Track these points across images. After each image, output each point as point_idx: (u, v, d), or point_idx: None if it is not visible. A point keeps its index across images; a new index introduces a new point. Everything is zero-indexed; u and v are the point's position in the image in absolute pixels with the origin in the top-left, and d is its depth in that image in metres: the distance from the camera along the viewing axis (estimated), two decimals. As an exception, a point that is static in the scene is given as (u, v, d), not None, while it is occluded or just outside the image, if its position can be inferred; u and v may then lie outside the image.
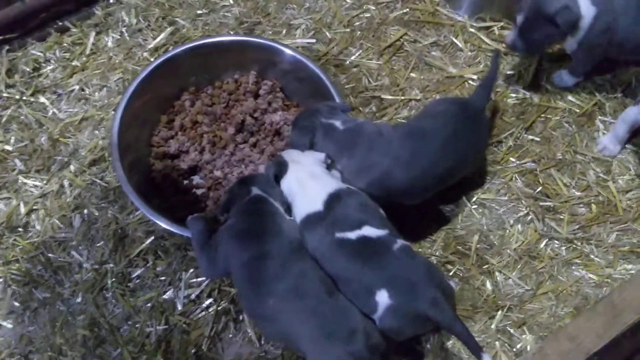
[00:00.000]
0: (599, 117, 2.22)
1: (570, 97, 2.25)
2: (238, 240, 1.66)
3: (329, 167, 1.81)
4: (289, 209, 1.76)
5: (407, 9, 2.44)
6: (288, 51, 2.10)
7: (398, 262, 1.61)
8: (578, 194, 2.07)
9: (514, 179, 2.09)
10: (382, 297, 1.58)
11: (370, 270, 1.60)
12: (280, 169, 1.76)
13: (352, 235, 1.64)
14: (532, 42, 2.01)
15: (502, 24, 2.38)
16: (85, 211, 2.06)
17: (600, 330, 1.49)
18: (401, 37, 2.38)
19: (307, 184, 1.73)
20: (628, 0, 1.95)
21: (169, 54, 2.08)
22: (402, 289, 1.58)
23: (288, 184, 1.75)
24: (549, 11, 1.91)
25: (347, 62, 2.34)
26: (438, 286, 1.60)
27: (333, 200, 1.70)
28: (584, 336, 1.48)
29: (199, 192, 2.03)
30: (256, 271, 1.61)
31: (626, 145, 2.15)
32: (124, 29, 2.40)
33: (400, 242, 1.66)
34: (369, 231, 1.65)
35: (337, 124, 1.83)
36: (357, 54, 2.35)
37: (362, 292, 1.60)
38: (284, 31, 2.41)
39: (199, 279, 1.94)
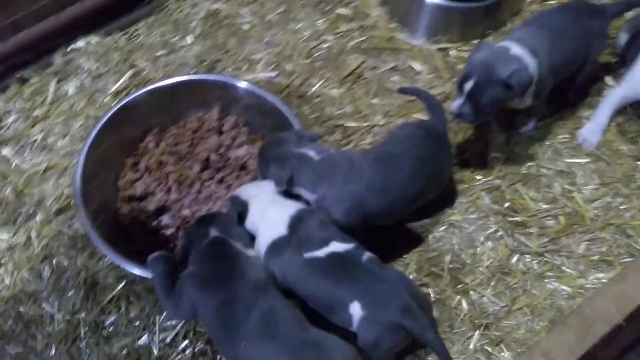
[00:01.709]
0: (560, 130, 2.25)
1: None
2: (202, 288, 1.64)
3: (286, 192, 1.82)
4: (252, 240, 1.76)
5: (365, 37, 2.48)
6: (247, 86, 2.13)
7: (368, 273, 1.64)
8: (545, 207, 2.09)
9: (480, 196, 2.11)
10: (356, 309, 1.60)
11: (342, 284, 1.62)
12: (242, 209, 1.77)
13: (321, 253, 1.67)
14: (482, 107, 1.91)
15: (458, 45, 2.43)
16: (54, 261, 2.03)
17: (572, 344, 1.49)
18: (360, 65, 2.41)
19: (268, 211, 1.75)
20: (547, 35, 2.01)
21: (128, 99, 2.08)
22: (374, 299, 1.60)
23: (251, 219, 1.76)
24: (502, 76, 1.87)
25: (310, 92, 2.36)
26: (411, 294, 1.62)
27: (296, 222, 1.72)
28: (557, 351, 1.49)
29: (167, 232, 2.02)
30: (224, 316, 1.60)
31: (589, 156, 2.18)
32: (84, 76, 2.40)
33: (368, 254, 1.69)
34: (336, 247, 1.68)
35: (312, 153, 1.83)
36: (318, 84, 2.38)
37: (336, 307, 1.63)
38: (245, 67, 2.43)
39: (174, 322, 1.92)
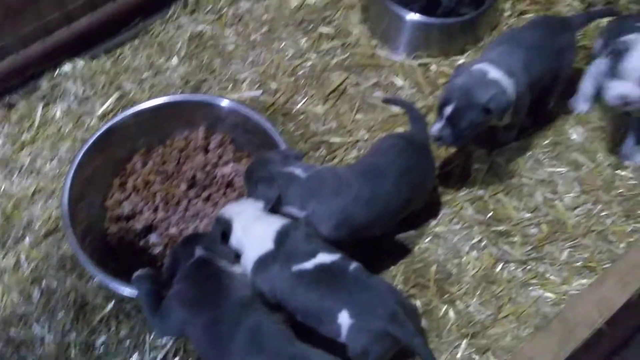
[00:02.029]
0: (540, 140, 2.30)
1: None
2: (189, 308, 1.66)
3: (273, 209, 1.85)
4: (238, 257, 1.78)
5: (347, 54, 2.52)
6: (231, 105, 2.17)
7: (355, 282, 1.67)
8: (528, 215, 2.13)
9: (464, 207, 2.14)
10: (344, 318, 1.63)
11: (330, 294, 1.66)
12: (225, 227, 1.80)
13: (309, 265, 1.70)
14: (461, 131, 1.94)
15: (438, 60, 2.48)
16: (44, 283, 2.04)
17: (555, 349, 1.51)
18: (344, 82, 2.45)
19: (253, 228, 1.78)
20: (522, 54, 2.07)
21: (114, 121, 2.12)
22: (362, 307, 1.63)
23: (236, 236, 1.79)
24: (482, 101, 1.91)
25: (294, 109, 2.40)
26: (398, 302, 1.65)
27: (282, 236, 1.75)
28: (540, 357, 1.51)
29: (155, 251, 2.04)
30: (212, 335, 1.62)
31: (569, 165, 2.23)
32: (71, 99, 2.43)
33: (354, 264, 1.72)
34: (323, 258, 1.71)
35: (298, 171, 1.86)
36: (303, 101, 2.42)
37: (325, 318, 1.66)
38: (230, 86, 2.46)
39: (163, 340, 1.92)
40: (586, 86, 2.23)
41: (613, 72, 1.98)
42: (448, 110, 1.93)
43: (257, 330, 1.61)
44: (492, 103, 1.91)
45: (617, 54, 1.96)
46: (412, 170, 1.92)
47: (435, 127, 1.97)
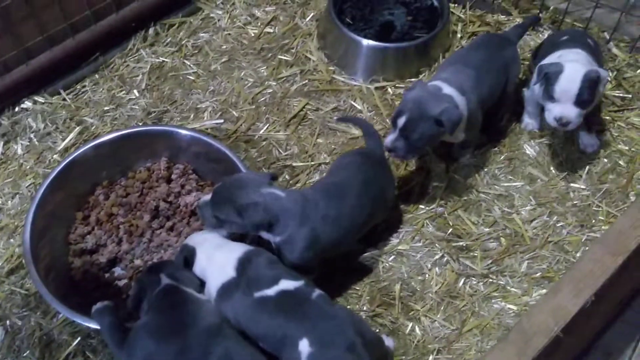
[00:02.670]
0: (495, 156, 2.37)
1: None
2: (157, 339, 1.65)
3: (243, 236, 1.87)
4: (202, 285, 1.79)
5: (306, 81, 2.58)
6: (192, 134, 2.20)
7: (317, 310, 1.68)
8: (487, 230, 2.18)
9: (425, 224, 2.19)
10: (304, 346, 1.63)
11: (292, 321, 1.66)
12: (189, 255, 1.81)
13: (271, 291, 1.70)
14: (414, 142, 1.98)
15: (394, 83, 2.55)
16: (8, 322, 2.02)
17: (514, 359, 1.55)
18: (304, 107, 2.50)
19: (215, 256, 1.79)
20: (472, 73, 2.16)
21: (75, 155, 2.13)
22: (322, 336, 1.63)
23: (200, 265, 1.80)
24: (434, 113, 1.95)
25: (256, 136, 2.44)
26: (358, 333, 1.66)
27: (243, 263, 1.76)
28: (500, 367, 1.54)
29: (120, 283, 2.04)
30: None
31: (524, 179, 2.30)
32: (32, 135, 2.43)
33: (317, 291, 1.73)
34: (286, 284, 1.72)
35: (279, 193, 1.84)
36: (264, 128, 2.46)
37: (286, 345, 1.65)
38: (192, 115, 2.49)
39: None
40: (529, 106, 2.34)
41: (547, 97, 2.09)
42: (401, 121, 1.98)
43: (227, 358, 1.61)
44: (444, 115, 1.96)
45: (549, 79, 2.07)
46: (372, 184, 1.97)
47: (389, 138, 2.01)
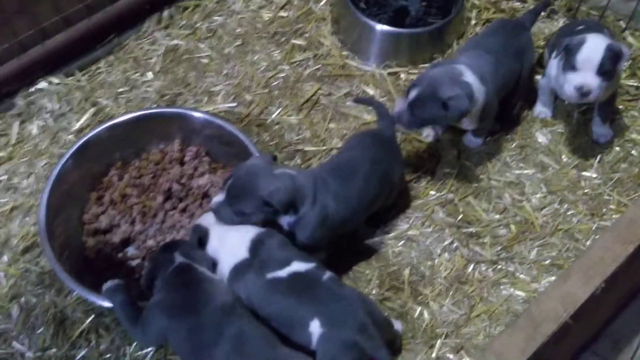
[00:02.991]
0: (507, 143, 2.36)
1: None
2: (170, 316, 1.68)
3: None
4: (214, 266, 1.81)
5: (319, 65, 2.58)
6: (205, 117, 2.21)
7: (328, 292, 1.70)
8: (497, 217, 2.19)
9: (435, 211, 2.20)
10: (315, 327, 1.66)
11: (303, 302, 1.68)
12: (202, 236, 1.83)
13: (283, 273, 1.73)
14: (418, 118, 1.99)
15: (407, 69, 2.54)
16: (23, 300, 2.05)
17: (522, 345, 1.55)
18: (316, 92, 2.51)
19: (228, 237, 1.81)
20: (492, 60, 2.16)
21: (89, 135, 2.15)
22: (333, 317, 1.66)
23: (212, 246, 1.82)
24: (443, 96, 1.95)
25: (269, 120, 2.44)
26: (368, 314, 1.68)
27: (256, 244, 1.78)
28: (508, 353, 1.55)
29: (133, 263, 2.07)
30: (195, 342, 1.64)
31: (535, 167, 2.30)
32: (47, 115, 2.45)
33: (328, 273, 1.76)
34: (298, 266, 1.74)
35: (290, 172, 1.86)
36: (277, 112, 2.46)
37: (297, 326, 1.68)
38: (206, 99, 2.50)
39: (144, 351, 1.94)
40: (543, 94, 2.33)
41: (568, 68, 2.06)
42: (412, 94, 1.99)
43: (240, 337, 1.63)
44: (452, 101, 1.96)
45: (571, 50, 2.05)
46: (380, 164, 1.98)
47: (398, 107, 2.02)
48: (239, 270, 1.77)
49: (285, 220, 1.89)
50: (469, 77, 2.04)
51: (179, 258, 1.76)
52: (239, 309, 1.72)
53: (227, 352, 1.62)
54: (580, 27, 2.28)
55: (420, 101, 1.98)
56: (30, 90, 2.50)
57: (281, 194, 1.78)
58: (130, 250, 2.11)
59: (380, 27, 2.50)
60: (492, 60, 2.15)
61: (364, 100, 2.36)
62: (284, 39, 2.67)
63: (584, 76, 2.03)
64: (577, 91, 2.04)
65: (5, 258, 2.13)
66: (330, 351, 1.65)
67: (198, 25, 2.71)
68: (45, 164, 2.33)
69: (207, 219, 1.89)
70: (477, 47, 2.22)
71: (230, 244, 1.80)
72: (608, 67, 2.02)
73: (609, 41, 2.05)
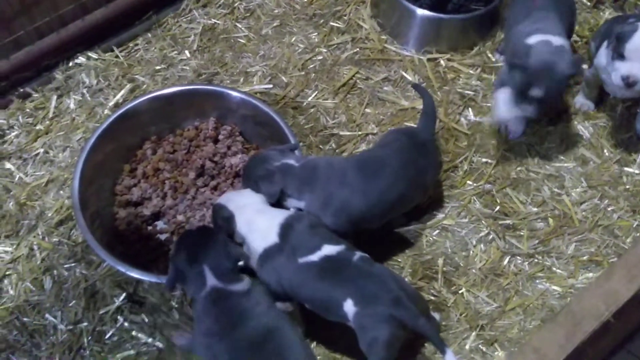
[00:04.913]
0: (548, 136, 2.30)
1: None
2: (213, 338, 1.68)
3: (278, 202, 1.88)
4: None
5: (357, 49, 2.54)
6: (242, 96, 2.19)
7: (359, 271, 1.70)
8: (535, 209, 2.13)
9: (472, 201, 2.16)
10: (349, 307, 1.66)
11: (335, 285, 1.69)
12: (228, 223, 1.82)
13: (315, 257, 1.73)
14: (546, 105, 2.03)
15: (447, 55, 2.49)
16: (55, 272, 2.08)
17: (562, 341, 1.52)
18: (354, 76, 2.47)
19: (256, 221, 1.81)
20: (556, 19, 2.12)
21: (127, 107, 2.16)
22: (365, 294, 1.66)
23: (239, 229, 1.82)
24: (566, 72, 1.95)
25: (305, 103, 2.42)
26: (400, 288, 1.68)
27: (286, 229, 1.78)
28: (547, 348, 1.52)
29: (162, 237, 2.08)
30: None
31: (576, 161, 2.24)
32: (84, 90, 2.46)
33: (358, 254, 1.75)
34: (329, 249, 1.74)
35: (292, 162, 1.90)
36: (313, 95, 2.44)
37: (331, 307, 1.69)
38: (242, 79, 2.49)
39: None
40: (587, 86, 2.27)
41: (617, 56, 2.00)
42: (538, 92, 1.96)
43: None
44: (574, 68, 1.95)
45: (621, 38, 1.98)
46: (411, 165, 1.92)
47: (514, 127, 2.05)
48: (269, 254, 1.77)
49: (291, 205, 1.89)
50: (557, 40, 2.00)
51: (210, 280, 1.68)
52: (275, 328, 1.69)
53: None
54: (633, 19, 2.20)
55: (549, 93, 1.95)
56: (69, 65, 2.51)
57: (269, 182, 1.85)
58: (160, 224, 2.11)
59: (421, 12, 2.45)
60: (556, 17, 2.11)
61: (420, 90, 2.19)
62: (322, 20, 2.64)
63: (632, 66, 1.96)
64: (623, 81, 1.98)
65: (40, 230, 2.15)
66: (367, 328, 1.65)
67: (236, 4, 2.69)
68: (81, 138, 2.35)
69: (234, 201, 1.86)
70: (541, 8, 2.14)
71: (259, 229, 1.80)
72: None
73: None
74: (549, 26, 2.04)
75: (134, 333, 1.95)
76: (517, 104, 2.00)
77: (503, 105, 2.05)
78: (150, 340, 1.93)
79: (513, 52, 2.07)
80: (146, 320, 1.97)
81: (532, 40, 2.00)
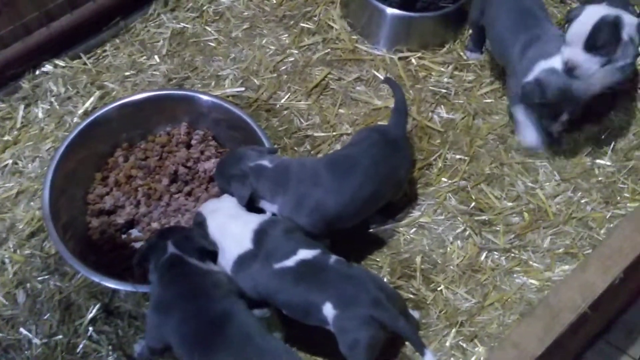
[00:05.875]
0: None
1: (494, 116, 2.35)
2: (162, 313, 1.68)
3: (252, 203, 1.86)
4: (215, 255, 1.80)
5: (329, 49, 2.53)
6: (213, 100, 2.17)
7: (337, 274, 1.70)
8: (510, 204, 2.15)
9: (447, 198, 2.16)
10: (328, 310, 1.66)
11: (312, 289, 1.68)
12: (200, 226, 1.81)
13: (291, 262, 1.72)
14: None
15: (418, 54, 2.50)
16: (28, 285, 2.03)
17: (541, 334, 1.53)
18: (326, 77, 2.46)
19: (229, 226, 1.79)
20: None
21: (97, 114, 2.13)
22: (344, 297, 1.65)
23: (212, 234, 1.80)
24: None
25: (278, 105, 2.40)
26: (379, 288, 1.68)
27: (260, 235, 1.76)
28: (526, 342, 1.52)
29: (137, 245, 2.05)
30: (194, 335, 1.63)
31: (547, 154, 2.26)
32: (52, 99, 2.41)
33: (334, 257, 1.75)
34: (304, 254, 1.73)
35: (265, 162, 1.88)
36: (286, 97, 2.42)
37: (310, 312, 1.68)
38: (213, 83, 2.46)
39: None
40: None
41: (564, 40, 1.96)
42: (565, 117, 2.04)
43: (237, 327, 1.63)
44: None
45: (567, 22, 1.96)
46: (383, 163, 1.92)
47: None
48: (243, 260, 1.75)
49: (265, 207, 1.88)
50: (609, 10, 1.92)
51: (170, 248, 1.73)
52: (232, 297, 1.69)
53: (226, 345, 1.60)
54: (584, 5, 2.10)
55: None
56: (35, 73, 2.46)
57: (240, 183, 1.84)
58: (134, 232, 2.09)
59: (391, 11, 2.45)
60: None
61: (392, 85, 2.17)
62: (292, 22, 2.62)
63: (571, 51, 1.91)
64: (565, 65, 1.92)
65: (11, 243, 2.11)
66: (347, 330, 1.64)
67: (205, 7, 2.66)
68: (50, 147, 2.30)
69: (208, 207, 1.86)
70: None
71: (232, 234, 1.78)
72: (598, 42, 1.88)
73: (607, 12, 1.88)
74: (548, 46, 2.00)
75: (96, 346, 1.92)
76: (547, 128, 2.02)
77: (531, 138, 2.17)
78: (111, 352, 1.91)
79: (524, 90, 2.04)
80: (119, 331, 1.93)
81: (538, 70, 1.99)
